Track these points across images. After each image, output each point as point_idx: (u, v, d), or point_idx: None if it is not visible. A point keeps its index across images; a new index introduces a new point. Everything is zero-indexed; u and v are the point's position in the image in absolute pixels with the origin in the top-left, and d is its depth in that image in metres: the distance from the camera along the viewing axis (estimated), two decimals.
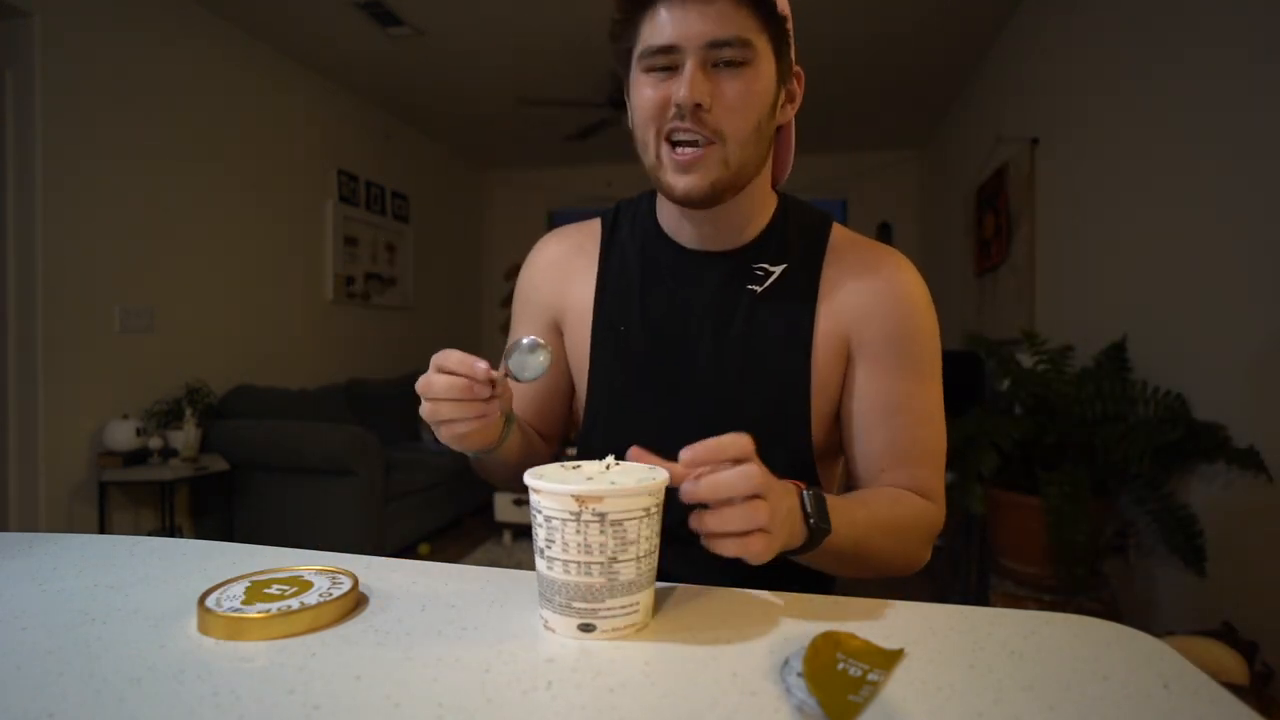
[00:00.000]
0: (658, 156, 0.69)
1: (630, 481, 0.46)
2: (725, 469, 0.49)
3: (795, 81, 0.74)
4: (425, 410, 0.58)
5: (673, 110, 0.66)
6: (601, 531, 0.45)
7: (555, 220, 5.71)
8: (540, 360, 0.58)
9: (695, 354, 0.75)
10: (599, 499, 0.44)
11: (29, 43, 2.37)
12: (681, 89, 0.64)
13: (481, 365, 0.56)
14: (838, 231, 0.79)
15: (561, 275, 0.83)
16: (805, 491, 0.57)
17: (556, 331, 0.84)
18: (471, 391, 0.56)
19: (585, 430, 0.80)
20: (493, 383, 0.57)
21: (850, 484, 0.79)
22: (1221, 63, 1.68)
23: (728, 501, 0.48)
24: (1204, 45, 1.75)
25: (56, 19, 2.43)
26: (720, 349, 0.74)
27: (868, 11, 3.05)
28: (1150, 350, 1.98)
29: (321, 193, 3.86)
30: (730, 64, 0.65)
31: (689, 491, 0.49)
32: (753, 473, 0.49)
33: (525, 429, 0.80)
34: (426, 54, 3.54)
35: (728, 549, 0.48)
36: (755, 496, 0.49)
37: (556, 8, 3.04)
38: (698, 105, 0.64)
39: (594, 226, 0.84)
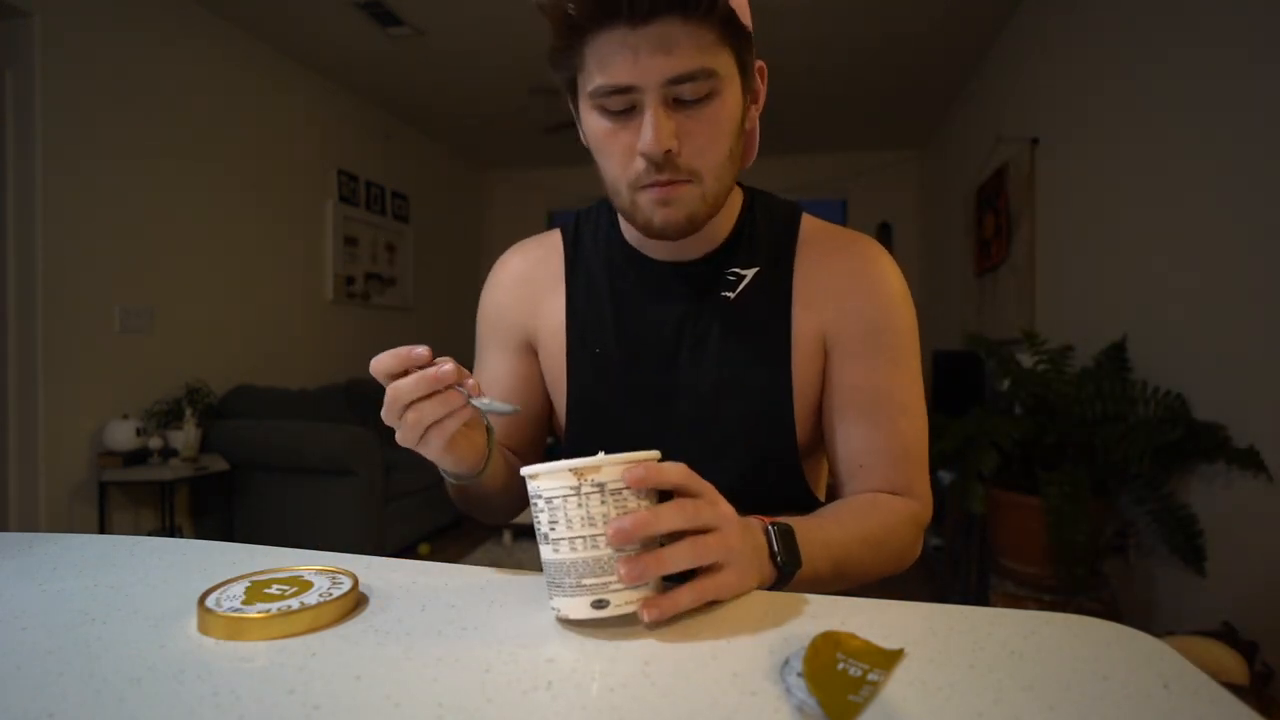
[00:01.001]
0: (633, 201, 0.65)
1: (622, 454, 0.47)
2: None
3: (759, 79, 0.68)
4: (407, 428, 0.51)
5: (640, 162, 0.61)
6: (603, 501, 0.45)
7: (555, 220, 5.71)
8: (509, 409, 0.56)
9: (674, 367, 0.73)
10: (596, 469, 0.45)
11: (29, 43, 2.37)
12: (647, 137, 0.59)
13: (420, 349, 0.51)
14: (808, 223, 0.76)
15: (528, 294, 0.80)
16: (771, 527, 0.54)
17: (530, 353, 0.81)
18: (440, 379, 0.50)
19: (570, 447, 0.78)
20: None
21: (831, 480, 0.77)
22: (1221, 63, 1.68)
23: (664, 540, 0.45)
24: (1204, 45, 1.75)
25: (56, 19, 2.43)
26: (698, 360, 0.73)
27: (868, 12, 3.05)
28: (1150, 350, 1.98)
29: (321, 193, 3.86)
30: (695, 100, 0.60)
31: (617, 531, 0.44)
32: (697, 507, 0.46)
33: (506, 455, 0.76)
34: (426, 54, 3.54)
35: (681, 600, 0.45)
36: (704, 530, 0.46)
37: None
38: (667, 151, 0.60)
39: (555, 240, 0.81)
